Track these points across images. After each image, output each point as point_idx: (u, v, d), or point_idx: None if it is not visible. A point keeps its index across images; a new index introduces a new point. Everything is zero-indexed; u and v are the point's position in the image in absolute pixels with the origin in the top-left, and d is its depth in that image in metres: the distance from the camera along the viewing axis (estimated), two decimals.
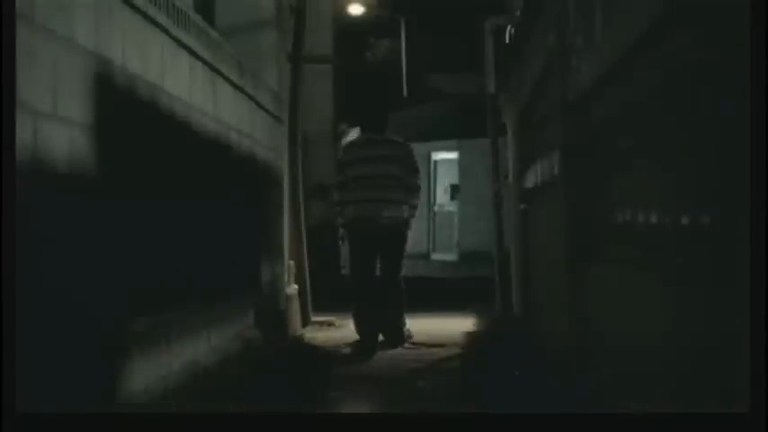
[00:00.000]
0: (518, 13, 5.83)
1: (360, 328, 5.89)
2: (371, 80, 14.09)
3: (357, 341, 5.84)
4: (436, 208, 16.57)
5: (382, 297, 5.97)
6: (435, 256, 16.13)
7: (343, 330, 6.51)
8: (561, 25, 3.26)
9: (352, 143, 6.52)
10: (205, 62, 3.89)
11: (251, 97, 4.96)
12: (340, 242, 11.84)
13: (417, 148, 6.77)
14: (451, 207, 16.48)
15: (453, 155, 16.18)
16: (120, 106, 2.84)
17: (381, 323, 5.92)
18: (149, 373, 3.05)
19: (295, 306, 6.34)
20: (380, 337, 5.94)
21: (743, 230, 1.38)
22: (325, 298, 7.27)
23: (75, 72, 2.46)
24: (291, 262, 6.48)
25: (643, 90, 2.14)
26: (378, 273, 6.02)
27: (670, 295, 1.89)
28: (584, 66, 2.85)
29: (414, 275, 7.03)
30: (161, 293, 3.25)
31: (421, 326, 6.41)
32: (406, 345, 5.88)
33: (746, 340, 1.36)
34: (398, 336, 5.94)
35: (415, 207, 6.10)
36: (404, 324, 6.06)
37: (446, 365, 5.01)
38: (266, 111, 5.48)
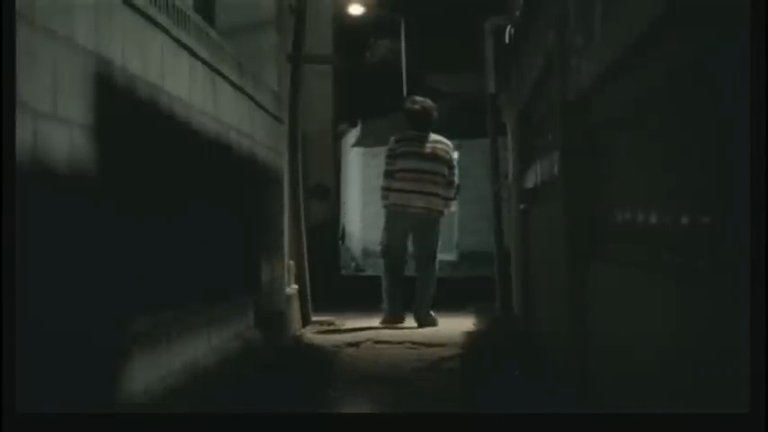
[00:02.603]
0: (518, 12, 5.83)
1: (389, 301, 6.77)
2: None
3: (386, 314, 6.76)
4: None
5: (418, 277, 6.87)
6: None
7: (343, 330, 6.51)
8: (561, 25, 3.26)
9: (404, 137, 6.95)
10: (205, 62, 3.89)
11: (251, 97, 4.96)
12: (340, 242, 11.84)
13: None
14: (451, 207, 16.42)
15: (453, 155, 16.12)
16: (121, 106, 2.84)
17: (408, 296, 6.79)
18: (149, 372, 3.05)
19: (295, 306, 6.34)
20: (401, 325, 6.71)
21: (743, 230, 1.38)
22: (326, 298, 7.26)
23: (76, 72, 2.46)
24: (291, 262, 6.48)
25: (643, 89, 2.14)
26: (414, 258, 6.99)
27: (670, 295, 1.89)
28: (583, 65, 2.85)
29: (414, 275, 7.07)
30: (161, 293, 3.25)
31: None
32: (430, 316, 6.73)
33: (746, 340, 1.36)
34: (427, 314, 6.75)
35: (451, 199, 6.99)
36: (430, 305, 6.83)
37: (446, 365, 5.01)
38: (266, 111, 5.47)
